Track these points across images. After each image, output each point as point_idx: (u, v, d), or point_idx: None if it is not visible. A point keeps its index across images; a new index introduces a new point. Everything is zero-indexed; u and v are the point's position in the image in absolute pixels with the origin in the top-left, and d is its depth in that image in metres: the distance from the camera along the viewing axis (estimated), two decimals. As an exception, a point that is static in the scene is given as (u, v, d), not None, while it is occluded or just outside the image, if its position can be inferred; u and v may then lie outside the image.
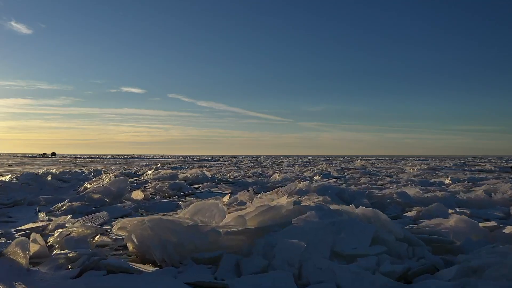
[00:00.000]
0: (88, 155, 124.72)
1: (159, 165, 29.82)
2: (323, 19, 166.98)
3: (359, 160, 47.27)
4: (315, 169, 22.07)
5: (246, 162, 42.59)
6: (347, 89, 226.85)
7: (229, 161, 47.34)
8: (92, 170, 19.57)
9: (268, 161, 49.89)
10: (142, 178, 14.97)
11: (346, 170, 21.81)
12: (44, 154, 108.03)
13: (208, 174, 14.25)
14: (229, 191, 10.53)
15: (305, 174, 17.16)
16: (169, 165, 30.90)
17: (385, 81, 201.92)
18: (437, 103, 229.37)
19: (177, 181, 11.96)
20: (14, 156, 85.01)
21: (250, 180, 12.79)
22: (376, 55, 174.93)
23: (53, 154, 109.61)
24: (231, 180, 13.82)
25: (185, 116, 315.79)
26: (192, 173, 14.39)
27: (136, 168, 24.87)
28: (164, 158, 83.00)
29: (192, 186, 12.62)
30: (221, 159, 62.55)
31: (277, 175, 14.24)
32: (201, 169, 22.79)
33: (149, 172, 16.08)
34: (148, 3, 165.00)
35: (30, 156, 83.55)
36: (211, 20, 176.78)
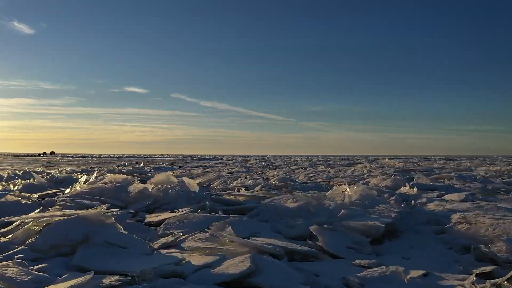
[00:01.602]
0: (88, 154, 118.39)
1: (141, 164, 22.06)
2: (325, 19, 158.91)
3: (387, 159, 39.30)
4: (376, 173, 14.19)
5: (255, 161, 34.64)
6: (349, 89, 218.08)
7: (234, 160, 39.48)
8: (13, 174, 11.87)
9: (278, 160, 41.97)
10: (66, 191, 7.16)
11: (412, 172, 13.93)
12: (44, 153, 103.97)
13: (193, 185, 6.35)
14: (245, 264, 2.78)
15: (373, 181, 9.31)
16: (156, 165, 23.20)
17: (387, 81, 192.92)
18: (439, 103, 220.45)
19: (98, 214, 4.07)
20: (5, 156, 78.61)
21: (290, 204, 4.92)
22: (378, 54, 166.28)
23: (52, 153, 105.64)
24: (243, 200, 5.96)
25: (188, 116, 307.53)
26: (159, 183, 6.57)
27: (108, 169, 17.06)
28: (164, 157, 75.65)
29: (148, 218, 4.88)
30: (224, 158, 54.76)
31: (346, 187, 6.24)
32: (190, 170, 15.06)
33: (84, 178, 8.29)
34: (150, 3, 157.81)
35: (27, 156, 77.94)
36: (213, 20, 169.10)
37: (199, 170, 15.01)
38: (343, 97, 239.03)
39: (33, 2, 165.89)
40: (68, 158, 61.01)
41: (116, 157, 77.67)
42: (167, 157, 71.27)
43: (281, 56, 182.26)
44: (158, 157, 72.73)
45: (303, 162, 35.30)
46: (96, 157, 71.48)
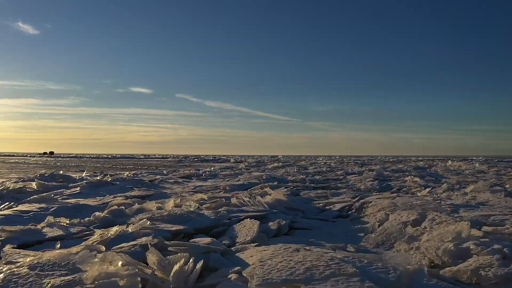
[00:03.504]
0: (79, 155, 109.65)
1: (99, 177, 12.02)
2: (331, 18, 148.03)
3: (450, 161, 28.99)
4: None
5: (277, 164, 24.23)
6: (355, 89, 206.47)
7: (246, 163, 29.31)
8: None
9: (303, 161, 31.67)
10: None
11: None
12: (45, 153, 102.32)
13: None
14: None
15: None
16: (125, 169, 13.28)
17: (393, 81, 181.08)
18: (446, 103, 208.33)
19: None
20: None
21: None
22: (384, 54, 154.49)
23: (51, 153, 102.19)
24: None
25: (193, 116, 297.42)
26: None
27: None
28: (163, 157, 65.88)
29: None
30: (232, 159, 44.60)
31: None
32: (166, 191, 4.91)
33: None
34: (155, 3, 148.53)
35: (24, 156, 71.51)
36: (218, 20, 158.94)
37: (177, 201, 4.84)
38: (348, 97, 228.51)
39: (37, 3, 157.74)
40: (50, 159, 51.59)
41: (109, 157, 68.24)
42: (166, 158, 61.49)
43: (286, 56, 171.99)
44: (157, 158, 63.04)
45: (339, 164, 25.13)
46: (87, 157, 62.17)
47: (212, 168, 20.48)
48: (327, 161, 33.21)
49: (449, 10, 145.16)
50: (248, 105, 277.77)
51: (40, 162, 34.11)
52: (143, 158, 63.15)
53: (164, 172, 16.26)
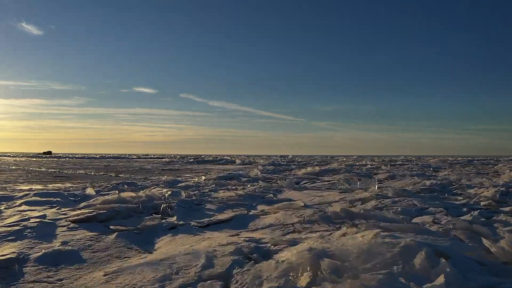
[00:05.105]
0: (68, 155, 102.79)
1: None
2: (334, 18, 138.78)
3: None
4: None
5: (311, 169, 14.90)
6: (360, 88, 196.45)
7: (258, 165, 20.21)
8: None
9: (334, 164, 22.56)
10: None
11: None
12: (45, 153, 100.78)
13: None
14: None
15: None
16: None
17: (398, 80, 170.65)
18: (452, 102, 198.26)
19: None
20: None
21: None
22: (390, 53, 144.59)
23: (49, 152, 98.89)
24: None
25: (198, 116, 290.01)
26: None
27: None
28: (159, 157, 57.30)
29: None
30: (238, 160, 35.61)
31: None
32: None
33: None
34: (159, 3, 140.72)
35: (15, 156, 65.04)
36: (222, 20, 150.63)
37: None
38: (353, 97, 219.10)
39: (40, 3, 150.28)
40: (22, 159, 43.24)
41: (97, 157, 59.80)
42: (162, 158, 52.78)
43: (290, 56, 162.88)
44: (151, 158, 54.43)
45: (391, 167, 16.17)
46: (70, 157, 54.02)
47: (204, 177, 11.37)
48: (366, 163, 24.07)
49: (455, 10, 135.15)
50: (252, 105, 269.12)
51: (5, 165, 25.30)
52: (134, 158, 54.42)
53: (88, 191, 7.26)
